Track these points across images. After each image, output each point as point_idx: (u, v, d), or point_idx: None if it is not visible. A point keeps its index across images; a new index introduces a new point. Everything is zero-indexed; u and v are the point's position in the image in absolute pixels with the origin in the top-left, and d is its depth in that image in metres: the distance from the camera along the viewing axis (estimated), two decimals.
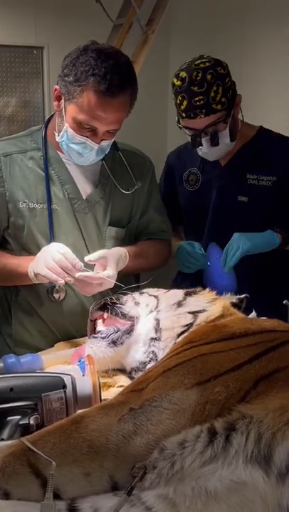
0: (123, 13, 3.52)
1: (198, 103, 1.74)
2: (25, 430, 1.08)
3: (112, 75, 1.42)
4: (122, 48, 3.48)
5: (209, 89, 1.73)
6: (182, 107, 1.78)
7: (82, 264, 1.49)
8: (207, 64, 1.76)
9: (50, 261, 1.46)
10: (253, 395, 0.94)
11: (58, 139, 1.57)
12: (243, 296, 1.45)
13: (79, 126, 1.49)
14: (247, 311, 1.41)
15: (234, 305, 1.39)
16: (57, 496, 0.90)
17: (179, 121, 1.85)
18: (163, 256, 1.84)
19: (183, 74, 1.76)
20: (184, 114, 1.79)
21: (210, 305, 1.36)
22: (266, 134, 1.97)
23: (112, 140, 1.58)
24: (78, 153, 1.54)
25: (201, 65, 1.75)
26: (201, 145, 1.82)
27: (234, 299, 1.43)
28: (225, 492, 0.83)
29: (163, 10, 3.52)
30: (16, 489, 0.90)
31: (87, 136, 1.50)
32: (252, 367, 0.99)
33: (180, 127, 1.85)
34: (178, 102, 1.79)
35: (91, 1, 3.51)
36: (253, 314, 1.40)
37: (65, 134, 1.52)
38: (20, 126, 4.32)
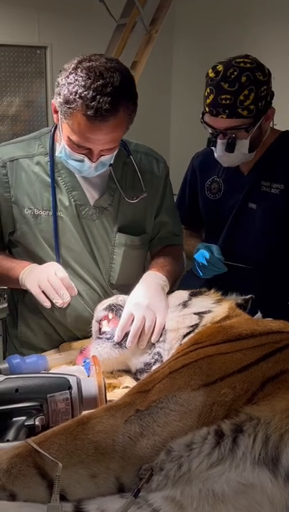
0: (126, 13, 3.53)
1: (223, 101, 1.64)
2: (31, 431, 1.08)
3: (102, 97, 1.33)
4: (125, 48, 3.49)
5: (240, 91, 1.63)
6: (207, 101, 1.68)
7: (76, 291, 1.48)
8: (248, 65, 1.66)
9: (45, 281, 1.44)
10: (260, 397, 0.94)
11: (57, 153, 1.54)
12: (248, 296, 1.44)
13: (74, 145, 1.44)
14: (252, 312, 1.40)
15: (239, 306, 1.39)
16: (63, 498, 0.90)
17: (203, 115, 1.75)
18: (182, 266, 1.79)
19: (220, 67, 1.67)
20: (207, 109, 1.69)
21: (215, 306, 1.36)
22: (285, 139, 1.87)
23: (114, 153, 1.52)
24: (77, 169, 1.52)
25: (241, 64, 1.65)
26: (215, 146, 1.74)
27: (239, 299, 1.42)
28: (232, 494, 0.82)
29: (166, 9, 3.52)
30: (22, 490, 0.90)
31: (84, 154, 1.46)
32: (258, 368, 0.99)
33: (202, 122, 1.76)
34: (205, 94, 1.69)
35: (94, 0, 3.51)
36: (259, 315, 1.39)
37: (63, 150, 1.49)
38: (24, 125, 4.34)
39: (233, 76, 1.64)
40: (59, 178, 1.59)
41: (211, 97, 1.67)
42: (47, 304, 1.44)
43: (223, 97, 1.65)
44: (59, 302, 1.43)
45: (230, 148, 1.71)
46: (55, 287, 1.43)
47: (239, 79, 1.64)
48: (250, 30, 3.90)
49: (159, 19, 3.51)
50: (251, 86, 1.64)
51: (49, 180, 1.58)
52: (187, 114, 4.54)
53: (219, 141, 1.72)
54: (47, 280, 1.44)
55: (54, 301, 1.43)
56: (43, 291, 1.44)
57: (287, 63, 3.43)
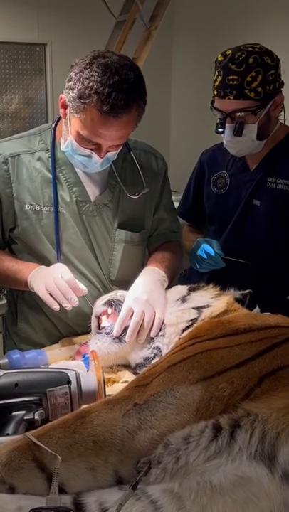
0: (126, 10, 3.52)
1: (231, 82, 1.66)
2: (30, 425, 1.08)
3: (117, 94, 1.34)
4: (124, 45, 3.48)
5: (247, 71, 1.65)
6: (216, 84, 1.71)
7: (85, 290, 1.47)
8: (256, 49, 1.69)
9: (52, 284, 1.44)
10: (258, 393, 0.94)
11: (63, 147, 1.54)
12: (246, 291, 1.45)
13: (83, 140, 1.45)
14: (250, 307, 1.41)
15: (238, 300, 1.39)
16: (62, 490, 0.90)
17: (213, 103, 1.76)
18: (180, 261, 1.80)
19: (228, 51, 1.70)
20: (215, 92, 1.71)
21: (214, 300, 1.37)
22: None
23: (119, 150, 1.53)
24: (83, 164, 1.52)
25: (249, 49, 1.69)
26: (223, 129, 1.74)
27: (238, 294, 1.42)
28: (230, 486, 0.83)
29: (166, 6, 3.51)
30: (21, 484, 0.91)
31: (91, 149, 1.47)
32: (256, 364, 0.99)
33: (211, 108, 1.77)
34: (214, 77, 1.72)
35: None
36: (257, 310, 1.40)
37: (70, 145, 1.49)
38: (24, 123, 4.33)
39: (240, 58, 1.67)
40: (60, 174, 1.60)
41: (219, 79, 1.70)
42: (56, 307, 1.43)
43: (230, 77, 1.67)
44: (68, 306, 1.43)
45: (238, 131, 1.71)
46: (62, 291, 1.43)
47: (246, 60, 1.66)
48: (249, 28, 3.89)
49: (158, 16, 3.50)
50: (258, 68, 1.66)
51: (50, 176, 1.58)
52: (187, 111, 4.54)
53: (227, 125, 1.73)
54: (54, 283, 1.44)
55: (63, 306, 1.43)
56: (50, 294, 1.44)
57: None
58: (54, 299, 1.44)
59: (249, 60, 1.66)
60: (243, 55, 1.67)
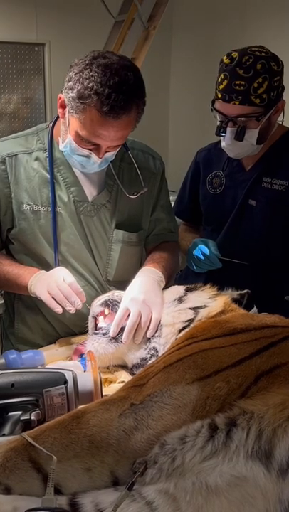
0: (124, 10, 3.52)
1: (237, 87, 1.64)
2: (27, 426, 1.08)
3: (117, 95, 1.34)
4: (123, 45, 3.48)
5: (254, 77, 1.63)
6: (220, 87, 1.68)
7: (85, 297, 1.47)
8: (263, 54, 1.67)
9: (54, 287, 1.44)
10: (254, 391, 0.94)
11: (61, 147, 1.54)
12: (244, 291, 1.44)
13: (82, 140, 1.45)
14: (248, 307, 1.41)
15: (235, 301, 1.39)
16: (58, 491, 0.90)
17: (213, 103, 1.75)
18: (177, 261, 1.81)
19: (235, 54, 1.68)
20: (219, 95, 1.69)
21: (211, 301, 1.37)
22: None
23: (117, 150, 1.53)
24: (81, 164, 1.52)
25: (256, 53, 1.66)
26: (224, 133, 1.73)
27: (235, 294, 1.42)
28: (225, 487, 0.83)
29: (164, 6, 3.51)
30: (17, 484, 0.91)
31: (90, 150, 1.47)
32: (253, 362, 0.99)
33: (212, 109, 1.75)
34: (219, 80, 1.70)
35: None
36: (254, 310, 1.40)
37: (68, 145, 1.49)
38: (22, 122, 4.33)
39: (248, 63, 1.65)
40: (58, 174, 1.59)
41: (225, 82, 1.67)
42: (58, 310, 1.43)
43: (237, 82, 1.65)
44: (71, 309, 1.43)
45: (239, 136, 1.70)
46: (65, 294, 1.43)
47: (254, 66, 1.64)
48: (248, 27, 3.89)
49: (156, 16, 3.49)
50: (265, 74, 1.65)
51: (48, 176, 1.58)
52: (186, 111, 4.54)
53: (229, 129, 1.72)
54: (56, 286, 1.44)
55: (67, 309, 1.43)
56: (53, 297, 1.44)
57: (288, 58, 3.42)
58: (57, 302, 1.43)
59: (257, 66, 1.64)
60: (251, 60, 1.65)
